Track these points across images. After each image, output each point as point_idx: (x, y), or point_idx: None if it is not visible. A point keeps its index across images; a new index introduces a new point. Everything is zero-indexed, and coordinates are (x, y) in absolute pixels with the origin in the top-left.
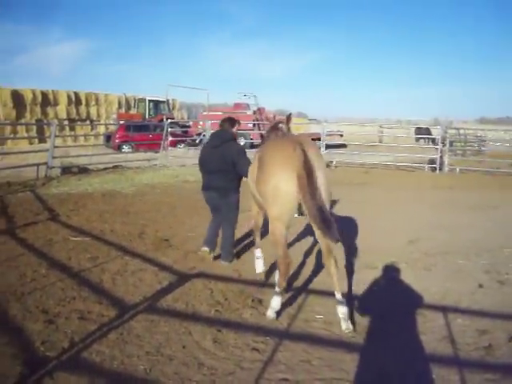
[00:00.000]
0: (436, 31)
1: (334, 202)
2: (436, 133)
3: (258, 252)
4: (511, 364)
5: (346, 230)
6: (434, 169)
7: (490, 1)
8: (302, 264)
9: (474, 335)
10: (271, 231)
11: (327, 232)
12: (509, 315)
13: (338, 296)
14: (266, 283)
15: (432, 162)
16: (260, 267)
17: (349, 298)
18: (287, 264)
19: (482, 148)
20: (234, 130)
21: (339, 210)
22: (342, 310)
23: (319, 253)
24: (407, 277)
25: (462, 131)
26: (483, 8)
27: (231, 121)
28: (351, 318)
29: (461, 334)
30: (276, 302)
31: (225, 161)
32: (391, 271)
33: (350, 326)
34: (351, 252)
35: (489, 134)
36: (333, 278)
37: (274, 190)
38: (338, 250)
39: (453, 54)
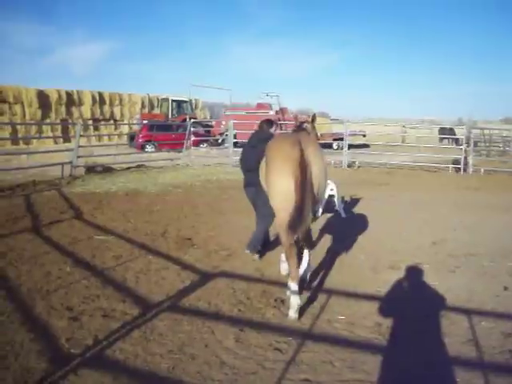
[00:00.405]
0: (459, 30)
1: (356, 202)
2: (460, 133)
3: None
4: None
5: (370, 230)
6: (458, 169)
7: None
8: (324, 264)
9: (498, 338)
10: (275, 221)
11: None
12: None
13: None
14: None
15: (456, 162)
16: (285, 269)
17: (371, 298)
18: (289, 246)
19: (507, 148)
20: (272, 130)
21: (363, 211)
22: (295, 301)
23: (340, 253)
24: (431, 278)
25: (486, 131)
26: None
27: (269, 122)
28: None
29: (485, 336)
30: (295, 300)
31: (261, 159)
32: (415, 272)
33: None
34: (375, 252)
35: None
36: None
37: (273, 186)
38: (361, 250)
39: (476, 54)
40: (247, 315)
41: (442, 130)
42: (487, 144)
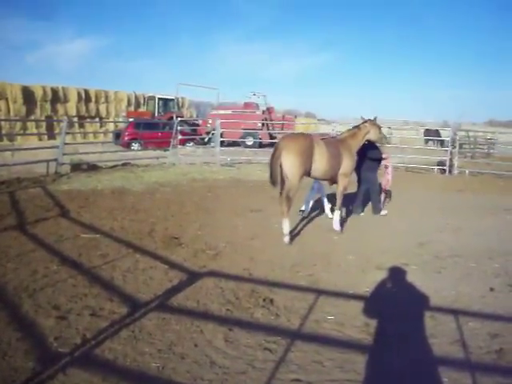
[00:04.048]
0: (446, 33)
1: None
2: (445, 135)
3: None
4: None
5: (358, 231)
6: (443, 171)
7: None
8: (313, 264)
9: (485, 338)
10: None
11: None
12: None
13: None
14: (276, 283)
15: (441, 164)
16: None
17: (359, 299)
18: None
19: (491, 150)
20: None
21: (350, 211)
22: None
23: (331, 254)
24: (417, 279)
25: (471, 133)
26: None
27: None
28: None
29: (472, 337)
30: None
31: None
32: (402, 273)
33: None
34: (363, 253)
35: (498, 136)
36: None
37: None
38: (350, 250)
39: (462, 57)
40: (236, 315)
41: (428, 132)
42: (472, 146)
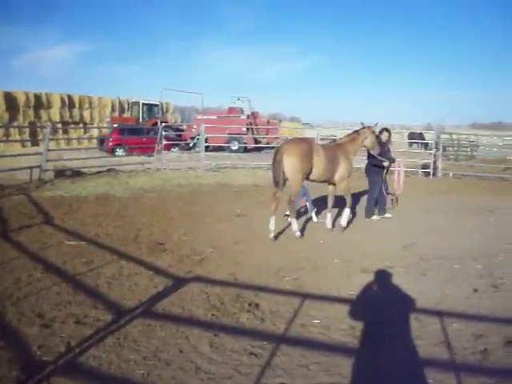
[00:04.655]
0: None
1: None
2: (429, 138)
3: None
4: (507, 368)
5: (343, 234)
6: (427, 174)
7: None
8: (298, 268)
9: (469, 339)
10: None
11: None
12: (504, 319)
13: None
14: (262, 287)
15: (425, 166)
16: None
17: (345, 302)
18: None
19: (475, 153)
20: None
21: (334, 215)
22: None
23: (317, 258)
24: (403, 281)
25: (454, 136)
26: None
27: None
28: None
29: (457, 338)
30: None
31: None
32: (387, 276)
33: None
34: (346, 256)
35: (481, 139)
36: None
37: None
38: (335, 254)
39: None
40: (221, 320)
41: (412, 135)
42: (455, 149)
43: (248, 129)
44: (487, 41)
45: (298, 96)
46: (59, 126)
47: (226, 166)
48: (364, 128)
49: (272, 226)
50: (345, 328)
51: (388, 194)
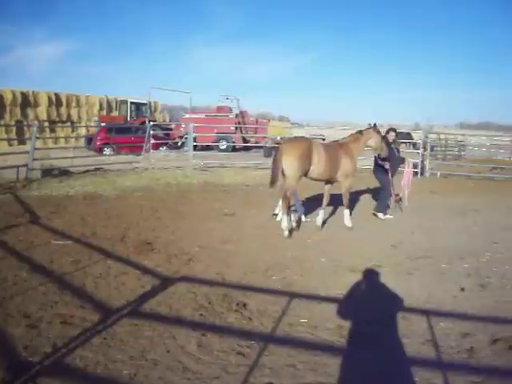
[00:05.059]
0: (418, 37)
1: (316, 206)
2: (417, 137)
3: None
4: (493, 366)
5: (331, 233)
6: (415, 173)
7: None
8: (286, 267)
9: (456, 338)
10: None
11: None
12: (490, 318)
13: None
14: (250, 287)
15: (413, 166)
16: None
17: (332, 301)
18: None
19: (462, 153)
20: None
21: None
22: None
23: (305, 257)
24: (390, 281)
25: (442, 136)
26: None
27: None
28: None
29: (444, 337)
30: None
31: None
32: (374, 275)
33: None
34: (334, 255)
35: (469, 138)
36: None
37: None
38: (322, 253)
39: (434, 61)
40: (209, 320)
41: (400, 135)
42: (443, 148)
43: (236, 128)
44: (475, 41)
45: (287, 95)
46: (46, 124)
47: (214, 165)
48: (369, 128)
49: (284, 224)
50: (332, 327)
51: (392, 194)
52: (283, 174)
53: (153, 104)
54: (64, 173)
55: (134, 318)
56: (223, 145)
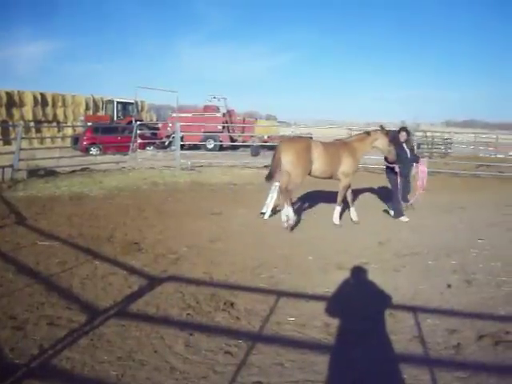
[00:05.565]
0: (403, 35)
1: (303, 204)
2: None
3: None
4: (479, 362)
5: (318, 231)
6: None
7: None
8: (273, 266)
9: (443, 334)
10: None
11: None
12: (477, 314)
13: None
14: (237, 286)
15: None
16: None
17: (320, 299)
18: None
19: (449, 150)
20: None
21: (310, 213)
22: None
23: (292, 255)
24: (377, 278)
25: (428, 134)
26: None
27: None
28: None
29: (431, 333)
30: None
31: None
32: (362, 272)
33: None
34: (323, 253)
35: (455, 136)
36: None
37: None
38: (310, 251)
39: (419, 59)
40: (196, 319)
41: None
42: (430, 146)
43: (224, 127)
44: (461, 41)
45: (274, 94)
46: (32, 124)
47: (201, 164)
48: (377, 130)
49: (284, 216)
50: (320, 325)
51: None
52: (281, 171)
53: (139, 103)
54: (50, 173)
55: (121, 319)
56: (210, 144)
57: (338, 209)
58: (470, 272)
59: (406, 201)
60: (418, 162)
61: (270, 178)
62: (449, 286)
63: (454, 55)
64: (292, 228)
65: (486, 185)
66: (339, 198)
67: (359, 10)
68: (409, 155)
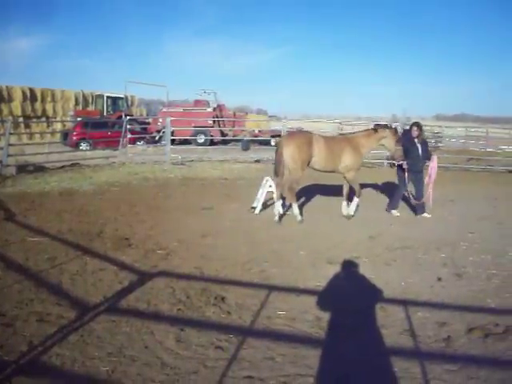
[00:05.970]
0: (392, 29)
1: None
2: None
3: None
4: (469, 355)
5: (309, 226)
6: (392, 165)
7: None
8: (264, 260)
9: (433, 327)
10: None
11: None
12: (467, 307)
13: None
14: (228, 280)
15: (391, 157)
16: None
17: (311, 293)
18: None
19: (439, 144)
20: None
21: (302, 206)
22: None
23: (283, 250)
24: (368, 271)
25: None
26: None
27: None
28: None
29: (421, 326)
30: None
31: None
32: (353, 266)
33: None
34: (314, 248)
35: (445, 130)
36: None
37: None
38: (301, 246)
39: (410, 54)
40: (187, 314)
41: (377, 127)
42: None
43: (214, 121)
44: (450, 35)
45: (265, 89)
46: (21, 119)
47: (192, 159)
48: (386, 128)
49: (296, 211)
50: (311, 319)
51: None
52: (285, 167)
53: (129, 98)
54: (39, 169)
55: (111, 315)
56: (201, 138)
57: (356, 200)
58: (460, 265)
59: (421, 197)
60: (429, 159)
61: (276, 173)
62: (439, 279)
63: (444, 49)
64: (301, 221)
65: (476, 178)
66: (357, 189)
67: (348, 5)
68: (420, 151)
